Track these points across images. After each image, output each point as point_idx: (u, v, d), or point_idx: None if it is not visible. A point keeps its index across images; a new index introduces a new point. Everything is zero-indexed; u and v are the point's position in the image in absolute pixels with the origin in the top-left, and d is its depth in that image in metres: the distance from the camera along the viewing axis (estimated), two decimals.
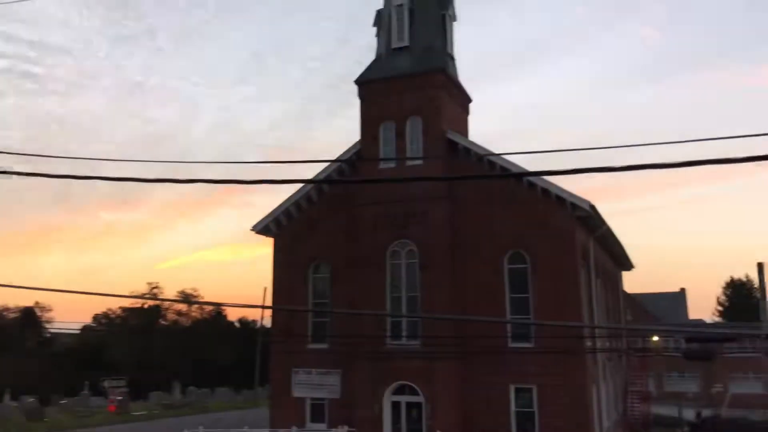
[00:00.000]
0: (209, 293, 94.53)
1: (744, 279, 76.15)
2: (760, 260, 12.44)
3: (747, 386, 52.13)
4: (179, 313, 68.93)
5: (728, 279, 79.70)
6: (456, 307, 22.19)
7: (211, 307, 65.94)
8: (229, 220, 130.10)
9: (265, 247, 26.83)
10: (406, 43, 25.01)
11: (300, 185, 25.25)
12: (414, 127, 23.68)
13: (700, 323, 67.33)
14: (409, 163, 23.29)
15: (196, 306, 67.28)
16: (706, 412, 46.22)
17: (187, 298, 62.60)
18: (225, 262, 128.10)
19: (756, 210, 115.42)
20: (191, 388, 52.80)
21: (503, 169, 22.54)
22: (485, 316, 21.85)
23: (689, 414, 38.25)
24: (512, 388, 21.54)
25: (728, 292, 79.10)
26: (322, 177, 24.95)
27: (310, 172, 25.67)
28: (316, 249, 25.38)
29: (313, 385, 24.33)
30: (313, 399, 24.34)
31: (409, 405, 22.17)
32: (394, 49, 25.17)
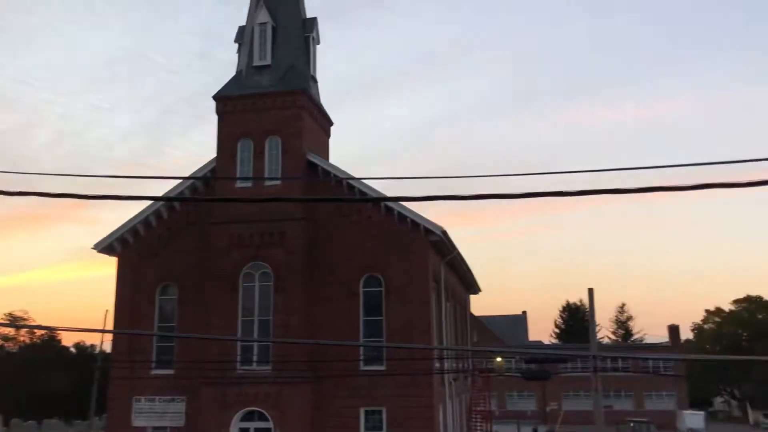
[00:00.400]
0: (43, 316, 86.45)
1: (579, 303, 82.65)
2: (590, 286, 13.50)
3: (578, 404, 56.51)
4: (5, 337, 62.39)
5: (564, 303, 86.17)
6: (310, 330, 21.99)
7: (42, 332, 60.29)
8: (72, 237, 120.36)
9: (110, 266, 24.86)
10: (268, 61, 24.72)
11: (150, 202, 23.91)
12: (273, 147, 23.35)
13: (538, 344, 72.16)
14: (267, 183, 22.91)
15: (25, 330, 61.21)
16: (542, 429, 49.40)
17: (14, 321, 56.83)
18: (65, 281, 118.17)
19: (590, 238, 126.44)
20: (15, 420, 47.72)
21: (362, 193, 22.84)
22: (338, 340, 21.85)
23: (527, 431, 40.60)
24: (362, 411, 21.63)
25: (564, 316, 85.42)
26: (174, 194, 23.83)
27: (162, 188, 24.37)
28: (165, 269, 24.09)
29: (155, 413, 22.88)
30: (155, 428, 22.88)
31: (257, 431, 21.51)
32: (256, 66, 24.78)
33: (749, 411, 65.28)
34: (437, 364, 23.06)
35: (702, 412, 52.94)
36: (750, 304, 73.94)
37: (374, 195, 22.19)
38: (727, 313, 74.91)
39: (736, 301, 75.17)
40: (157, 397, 22.93)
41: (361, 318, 22.59)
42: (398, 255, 22.59)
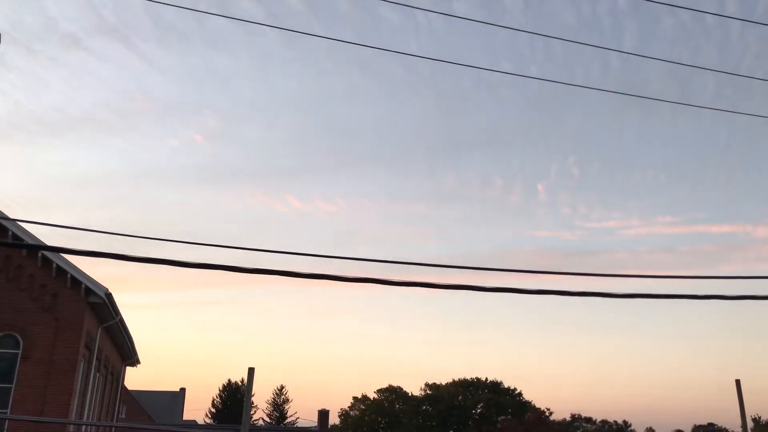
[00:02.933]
0: None
1: (240, 383, 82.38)
2: (252, 366, 13.51)
3: None
4: None
5: (225, 382, 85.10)
6: None
7: None
8: None
9: None
10: None
11: None
12: None
13: (192, 423, 69.21)
14: None
15: None
16: None
17: None
18: None
19: (262, 317, 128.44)
20: None
21: (16, 237, 19.87)
22: None
23: None
24: None
25: (224, 395, 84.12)
26: None
27: None
28: None
29: None
30: None
31: None
32: None
33: None
34: None
35: None
36: (390, 393, 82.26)
37: (31, 242, 19.48)
38: (371, 400, 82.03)
39: (379, 390, 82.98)
40: None
41: None
42: (48, 314, 19.90)
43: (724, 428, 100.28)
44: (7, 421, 18.53)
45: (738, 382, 17.07)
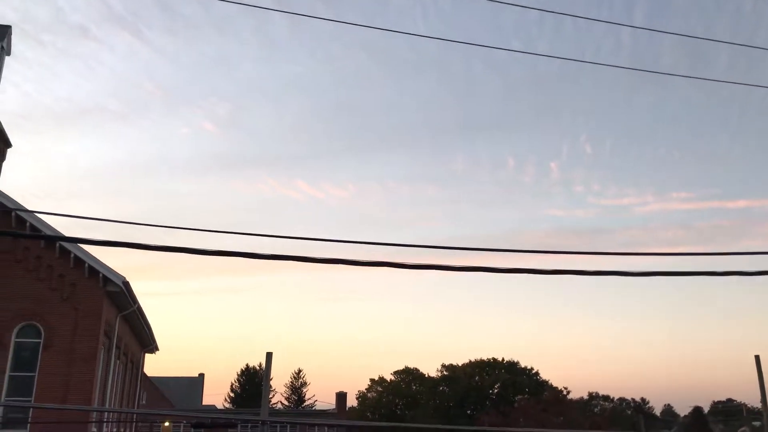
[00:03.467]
0: None
1: (258, 367, 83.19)
2: (270, 350, 13.64)
3: None
4: None
5: (243, 366, 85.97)
6: None
7: None
8: None
9: None
10: None
11: None
12: None
13: (211, 408, 70.16)
14: None
15: None
16: None
17: None
18: None
19: (278, 303, 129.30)
20: None
21: (34, 228, 20.10)
22: None
23: None
24: None
25: (242, 380, 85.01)
26: None
27: None
28: None
29: None
30: None
31: None
32: None
33: None
34: (94, 429, 20.73)
35: None
36: (407, 375, 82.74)
37: (49, 233, 19.70)
38: (388, 382, 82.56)
39: (396, 372, 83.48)
40: None
41: (8, 373, 19.35)
42: (67, 304, 20.16)
43: (744, 404, 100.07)
44: (31, 409, 18.87)
45: (757, 357, 16.97)
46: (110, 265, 20.72)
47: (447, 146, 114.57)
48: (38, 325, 19.99)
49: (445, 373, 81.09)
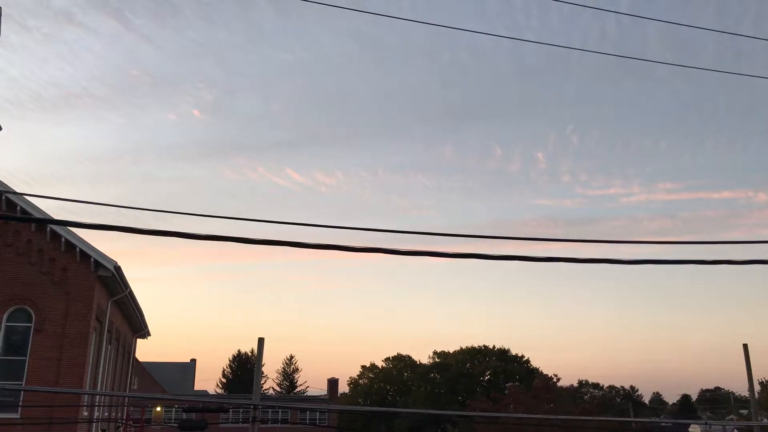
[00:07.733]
0: None
1: (250, 353, 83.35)
2: (262, 336, 13.66)
3: None
4: None
5: (235, 352, 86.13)
6: None
7: None
8: None
9: None
10: None
11: None
12: None
13: (203, 393, 70.30)
14: None
15: None
16: None
17: None
18: None
19: (271, 289, 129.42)
20: None
21: (24, 212, 19.98)
22: None
23: None
24: None
25: (234, 365, 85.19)
26: None
27: None
28: None
29: None
30: None
31: None
32: None
33: None
34: (86, 413, 20.74)
35: None
36: (398, 362, 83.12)
37: (39, 216, 19.58)
38: (380, 369, 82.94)
39: (387, 359, 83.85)
40: None
41: None
42: (59, 288, 20.09)
43: (731, 392, 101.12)
44: (22, 392, 18.85)
45: (746, 346, 17.14)
46: (102, 250, 20.65)
47: (436, 135, 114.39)
48: (29, 309, 19.93)
49: (436, 360, 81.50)
